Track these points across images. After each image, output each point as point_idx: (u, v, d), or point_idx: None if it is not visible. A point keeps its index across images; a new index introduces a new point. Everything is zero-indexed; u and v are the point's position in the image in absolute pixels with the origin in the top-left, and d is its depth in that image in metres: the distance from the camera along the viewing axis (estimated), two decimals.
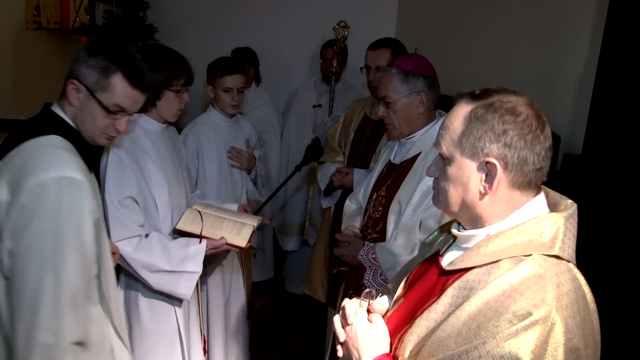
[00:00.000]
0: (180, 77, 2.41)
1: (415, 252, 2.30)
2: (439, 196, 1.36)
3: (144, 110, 2.42)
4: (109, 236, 2.24)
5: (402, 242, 2.38)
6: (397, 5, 4.74)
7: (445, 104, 2.53)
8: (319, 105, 4.46)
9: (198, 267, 2.39)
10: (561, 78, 2.84)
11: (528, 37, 3.21)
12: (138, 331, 2.47)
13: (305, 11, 4.89)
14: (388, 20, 4.62)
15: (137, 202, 2.32)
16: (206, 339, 2.85)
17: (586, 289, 1.22)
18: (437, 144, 1.33)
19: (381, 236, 2.49)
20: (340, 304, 2.65)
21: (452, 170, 1.30)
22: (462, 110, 1.28)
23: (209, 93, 3.19)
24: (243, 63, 3.37)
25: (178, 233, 2.48)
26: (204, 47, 4.34)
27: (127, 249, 2.29)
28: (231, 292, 3.12)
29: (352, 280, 2.66)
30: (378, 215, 2.53)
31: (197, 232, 2.44)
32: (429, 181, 2.35)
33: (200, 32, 4.84)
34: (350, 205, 2.85)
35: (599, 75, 2.45)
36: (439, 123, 2.43)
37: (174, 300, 2.48)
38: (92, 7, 4.58)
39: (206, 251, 2.41)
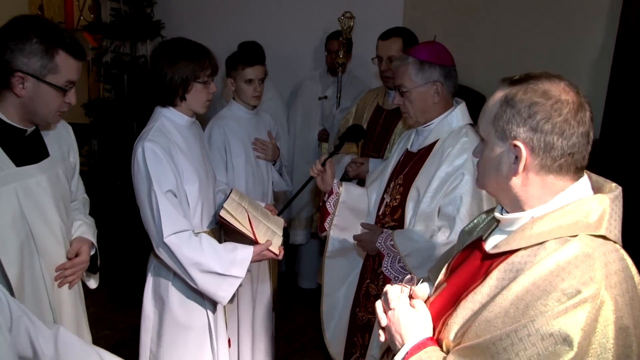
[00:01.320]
0: (207, 68, 2.39)
1: (435, 239, 2.32)
2: (478, 177, 1.40)
3: (173, 104, 2.43)
4: (162, 230, 2.24)
5: (420, 229, 2.38)
6: None
7: (457, 93, 2.54)
8: (325, 97, 4.45)
9: (243, 273, 2.37)
10: (577, 64, 2.85)
11: (543, 22, 3.21)
12: (168, 322, 2.48)
13: (308, 3, 4.89)
14: (395, 9, 4.60)
15: (175, 196, 2.32)
16: (238, 330, 2.84)
17: (634, 269, 1.22)
18: (477, 125, 1.37)
19: (399, 224, 2.50)
20: (355, 293, 2.70)
21: (486, 152, 1.33)
22: (498, 95, 1.31)
23: (230, 86, 3.18)
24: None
25: (219, 221, 2.45)
26: (210, 42, 4.29)
27: (177, 243, 2.28)
28: (259, 284, 3.12)
29: (368, 269, 2.67)
30: (396, 204, 2.53)
31: (246, 231, 2.41)
32: (447, 168, 2.36)
33: (207, 27, 4.84)
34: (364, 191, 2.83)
35: (615, 61, 2.46)
36: (456, 110, 2.45)
37: (207, 299, 2.48)
38: (97, 5, 4.58)
39: (252, 257, 2.39)
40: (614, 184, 1.28)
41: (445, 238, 2.31)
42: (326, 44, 4.46)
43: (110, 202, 4.41)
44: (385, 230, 2.46)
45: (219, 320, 2.63)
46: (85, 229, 2.29)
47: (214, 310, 2.56)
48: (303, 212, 4.62)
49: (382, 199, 2.64)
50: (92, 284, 2.41)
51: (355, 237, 2.56)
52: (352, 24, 4.12)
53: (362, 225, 2.57)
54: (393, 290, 1.47)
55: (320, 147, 4.52)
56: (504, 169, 1.29)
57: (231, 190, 2.62)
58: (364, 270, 2.70)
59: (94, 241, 2.30)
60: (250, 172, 3.20)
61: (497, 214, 1.39)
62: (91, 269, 2.31)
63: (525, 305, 1.17)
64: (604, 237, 1.21)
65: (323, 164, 2.63)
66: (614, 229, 1.23)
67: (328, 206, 2.69)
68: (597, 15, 2.70)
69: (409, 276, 1.48)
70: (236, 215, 2.43)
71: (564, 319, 1.11)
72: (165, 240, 2.26)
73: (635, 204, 2.23)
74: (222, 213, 2.38)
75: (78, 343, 1.64)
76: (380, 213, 2.63)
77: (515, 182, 1.28)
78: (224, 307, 2.65)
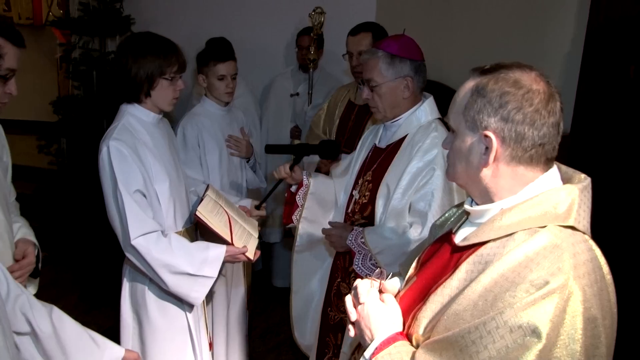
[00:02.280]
0: (173, 64, 2.33)
1: (407, 235, 2.31)
2: (448, 168, 1.38)
3: (138, 101, 2.37)
4: (128, 232, 2.18)
5: (392, 226, 2.36)
6: None
7: (427, 89, 2.53)
8: (297, 94, 4.42)
9: (215, 272, 2.32)
10: (548, 56, 2.86)
11: (513, 16, 3.21)
12: (148, 327, 2.43)
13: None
14: (367, 4, 4.58)
15: (144, 196, 2.27)
16: (212, 330, 2.82)
17: (602, 260, 1.22)
18: (447, 116, 1.35)
19: (369, 221, 2.48)
20: (325, 292, 2.68)
21: (456, 143, 1.32)
22: (468, 84, 1.29)
23: (201, 82, 3.14)
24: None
25: (196, 220, 2.40)
26: (181, 38, 4.24)
27: (145, 245, 2.22)
28: (233, 283, 3.08)
29: (339, 268, 2.64)
30: (365, 200, 2.51)
31: (224, 234, 2.35)
32: (417, 163, 2.35)
33: (178, 23, 4.77)
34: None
35: (585, 54, 2.46)
36: (424, 105, 2.44)
37: (184, 300, 2.42)
38: (66, 1, 4.48)
39: (225, 257, 2.34)
40: (583, 175, 1.28)
41: (417, 234, 2.30)
42: (297, 40, 4.43)
43: (81, 202, 4.33)
44: (355, 227, 2.44)
45: (200, 322, 2.59)
46: (26, 230, 2.21)
47: (191, 311, 2.50)
48: (277, 210, 4.56)
49: (351, 195, 2.62)
50: (32, 289, 2.26)
51: (324, 231, 2.51)
52: (322, 19, 4.08)
53: (331, 224, 2.53)
54: (363, 285, 1.45)
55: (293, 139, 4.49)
56: (474, 160, 1.28)
57: (207, 187, 2.57)
58: (334, 269, 2.67)
59: (37, 243, 2.20)
60: (224, 169, 3.16)
61: (466, 206, 1.38)
62: (32, 274, 2.19)
63: (493, 297, 1.16)
64: (572, 228, 1.21)
65: (291, 168, 2.62)
66: (583, 220, 1.22)
67: (297, 199, 2.65)
68: (567, 8, 2.72)
69: (378, 270, 1.47)
70: (214, 214, 2.38)
71: (532, 310, 1.10)
72: (132, 242, 2.20)
73: (605, 197, 2.25)
74: (199, 212, 2.33)
75: (70, 321, 1.69)
76: (349, 210, 2.60)
77: (486, 173, 1.27)
78: (203, 308, 2.61)
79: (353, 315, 1.43)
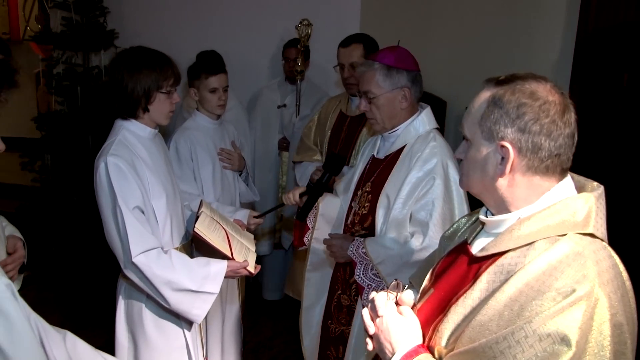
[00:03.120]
0: (169, 77, 2.31)
1: (408, 245, 2.31)
2: (462, 177, 1.39)
3: (135, 116, 2.33)
4: (129, 250, 2.14)
5: (392, 236, 2.37)
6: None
7: None
8: (284, 106, 4.43)
9: (217, 289, 2.29)
10: (538, 65, 2.91)
11: (503, 25, 3.26)
12: (144, 347, 2.39)
13: (264, 12, 4.86)
14: (351, 16, 4.61)
15: (142, 212, 2.23)
16: (207, 345, 2.77)
17: (622, 267, 1.23)
18: (461, 125, 1.36)
19: (369, 232, 2.48)
20: (325, 305, 2.66)
21: (471, 152, 1.33)
22: (484, 95, 1.30)
23: (193, 96, 3.11)
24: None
25: (194, 237, 2.37)
26: (166, 52, 4.26)
27: (146, 263, 2.18)
28: (227, 297, 3.05)
29: (339, 280, 2.63)
30: (365, 212, 2.51)
31: (224, 249, 2.33)
32: (417, 173, 2.36)
33: (162, 37, 4.73)
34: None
35: (575, 62, 2.51)
36: (422, 115, 2.45)
37: (182, 318, 2.39)
38: (45, 15, 4.42)
39: (226, 273, 2.32)
40: (595, 183, 1.30)
41: (419, 244, 2.30)
42: (283, 52, 4.44)
43: (65, 219, 4.24)
44: (356, 238, 2.44)
45: (197, 339, 2.55)
46: (11, 228, 2.16)
47: (190, 329, 2.47)
48: (266, 222, 4.54)
49: (350, 207, 2.61)
50: (17, 285, 2.20)
51: (325, 242, 2.51)
52: (309, 31, 4.11)
53: (331, 235, 2.53)
54: (380, 298, 1.44)
55: (281, 156, 4.49)
56: (490, 169, 1.29)
57: (200, 203, 2.54)
58: (334, 281, 2.66)
59: (23, 239, 2.16)
60: (218, 182, 3.14)
61: (482, 217, 1.39)
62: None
63: (519, 306, 1.16)
64: (591, 235, 1.22)
65: (302, 195, 2.64)
66: (601, 227, 1.24)
67: (308, 221, 2.66)
68: (556, 17, 2.77)
69: (394, 282, 1.46)
70: (211, 230, 2.36)
71: (560, 318, 1.11)
72: (134, 260, 2.16)
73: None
74: (197, 230, 2.30)
75: (83, 345, 1.63)
76: (348, 222, 2.60)
77: (502, 183, 1.28)
78: (200, 325, 2.57)
79: (371, 328, 1.43)
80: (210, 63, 3.11)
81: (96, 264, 4.10)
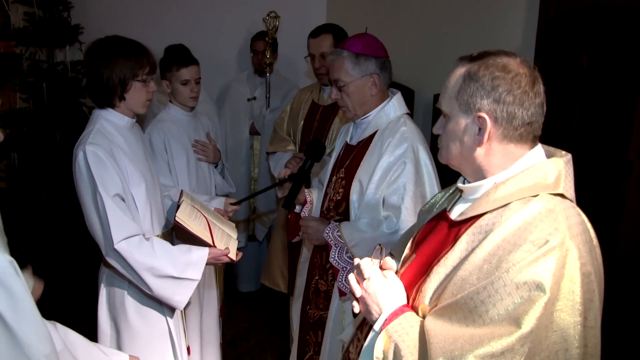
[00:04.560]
0: (145, 65, 2.32)
1: (381, 228, 2.36)
2: (441, 151, 1.47)
3: (112, 105, 2.33)
4: (111, 236, 2.14)
5: (366, 220, 2.41)
6: None
7: None
8: (254, 98, 4.44)
9: (199, 275, 2.30)
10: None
11: (466, 13, 3.33)
12: (127, 334, 2.39)
13: (230, 5, 4.87)
14: (318, 6, 4.64)
15: (123, 200, 2.23)
16: (186, 337, 2.77)
17: (589, 224, 1.32)
18: (438, 102, 1.44)
19: (344, 217, 2.52)
20: (304, 290, 2.70)
21: (450, 126, 1.41)
22: (459, 71, 1.39)
23: (165, 88, 3.11)
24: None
25: (176, 226, 2.38)
26: None
27: (128, 249, 2.19)
28: (205, 289, 3.06)
29: (316, 265, 2.67)
30: (339, 197, 2.55)
31: (205, 237, 2.35)
32: (388, 158, 2.40)
33: (128, 31, 4.59)
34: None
35: (538, 48, 2.59)
36: (393, 101, 2.49)
37: (164, 304, 2.40)
38: (4, 11, 4.31)
39: (208, 260, 2.33)
40: (563, 152, 1.39)
41: (392, 227, 2.35)
42: (251, 45, 4.46)
43: (35, 219, 4.17)
44: (332, 221, 2.48)
45: (179, 327, 2.57)
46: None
47: (172, 316, 2.49)
48: (240, 214, 4.56)
49: (326, 193, 2.65)
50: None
51: (301, 222, 2.54)
52: (277, 23, 4.13)
53: (304, 221, 2.55)
54: (365, 262, 1.52)
55: (252, 142, 4.50)
56: (468, 140, 1.38)
57: (181, 192, 2.56)
58: (312, 267, 2.69)
59: None
60: (193, 174, 3.14)
61: (459, 185, 1.48)
62: None
63: (497, 259, 1.25)
64: (561, 196, 1.32)
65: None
66: (570, 189, 1.34)
67: (303, 215, 2.70)
68: (518, 5, 2.86)
69: (377, 247, 1.52)
70: (192, 219, 2.38)
71: (535, 266, 1.20)
72: (115, 246, 2.17)
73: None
74: (178, 218, 2.31)
75: (74, 334, 1.67)
76: (324, 208, 2.63)
77: (479, 152, 1.37)
78: (182, 313, 2.59)
79: (358, 291, 1.50)
80: (181, 55, 3.10)
81: (70, 259, 4.05)
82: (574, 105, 2.51)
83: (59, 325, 1.63)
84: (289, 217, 2.77)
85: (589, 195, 2.31)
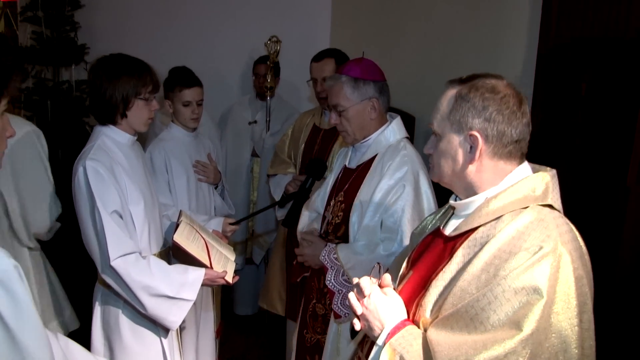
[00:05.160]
0: (148, 84, 2.34)
1: (378, 251, 2.36)
2: (433, 169, 1.53)
3: (114, 122, 2.35)
4: (107, 253, 2.14)
5: (363, 242, 2.41)
6: (331, 16, 4.87)
7: None
8: (255, 122, 4.47)
9: (194, 296, 2.30)
10: None
11: (467, 40, 3.37)
12: (120, 353, 2.37)
13: (234, 29, 4.96)
14: (322, 32, 4.71)
15: (121, 217, 2.24)
16: (181, 353, 2.75)
17: (577, 233, 1.38)
18: (430, 122, 1.51)
19: (343, 241, 2.50)
20: (301, 314, 2.68)
21: (442, 145, 1.48)
22: (449, 93, 1.47)
23: (168, 108, 3.13)
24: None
25: (174, 246, 2.38)
26: None
27: (124, 267, 2.18)
28: (202, 311, 3.04)
29: (314, 289, 2.65)
30: (338, 221, 2.54)
31: (202, 259, 2.35)
32: (388, 181, 2.40)
33: (132, 53, 4.71)
34: (305, 214, 2.84)
35: (538, 75, 2.62)
36: (392, 125, 2.51)
37: (158, 324, 2.38)
38: (12, 31, 4.39)
39: (203, 281, 2.33)
40: (548, 167, 1.46)
41: (389, 250, 2.35)
42: (253, 69, 4.50)
43: None
44: (329, 244, 2.47)
45: (174, 348, 2.54)
46: None
47: (166, 336, 2.46)
48: (237, 237, 4.55)
49: (324, 217, 2.64)
50: None
51: (297, 251, 2.53)
52: (278, 48, 4.18)
53: (305, 237, 2.55)
54: (364, 281, 1.55)
55: (252, 166, 4.52)
56: (460, 158, 1.44)
57: (180, 213, 2.56)
58: (308, 291, 2.67)
59: None
60: (193, 194, 3.14)
61: (452, 202, 1.55)
62: None
63: (495, 268, 1.31)
64: (550, 207, 1.38)
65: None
66: (557, 200, 1.41)
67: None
68: (519, 33, 2.90)
69: (375, 266, 1.57)
70: (190, 240, 2.38)
71: (531, 272, 1.26)
72: (112, 263, 2.17)
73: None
74: (177, 238, 2.32)
75: (75, 345, 1.65)
76: (322, 232, 2.62)
77: (471, 169, 1.43)
78: (177, 333, 2.57)
79: (359, 309, 1.53)
80: (184, 76, 3.14)
81: (67, 275, 4.02)
82: (572, 131, 2.54)
83: (59, 335, 1.62)
84: (294, 263, 2.74)
85: (588, 220, 2.33)
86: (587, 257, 1.37)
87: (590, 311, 1.32)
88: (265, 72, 4.25)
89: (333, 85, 2.48)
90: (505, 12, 3.06)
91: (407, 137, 2.54)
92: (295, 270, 2.74)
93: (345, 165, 2.63)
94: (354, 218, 2.46)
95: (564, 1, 2.62)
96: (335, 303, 2.42)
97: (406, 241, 2.31)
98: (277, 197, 3.43)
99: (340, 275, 2.40)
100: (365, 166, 2.51)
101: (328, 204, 2.63)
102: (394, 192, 2.38)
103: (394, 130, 2.51)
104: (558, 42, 2.61)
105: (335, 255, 2.40)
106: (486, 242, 1.35)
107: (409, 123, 3.78)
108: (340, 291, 2.41)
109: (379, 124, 2.51)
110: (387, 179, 2.41)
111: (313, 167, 2.59)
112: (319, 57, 3.31)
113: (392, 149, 2.47)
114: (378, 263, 1.57)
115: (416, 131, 3.82)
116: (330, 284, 2.42)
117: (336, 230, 2.54)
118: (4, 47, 4.04)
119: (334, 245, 2.44)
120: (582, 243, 1.37)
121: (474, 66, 3.30)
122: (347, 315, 2.40)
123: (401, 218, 2.36)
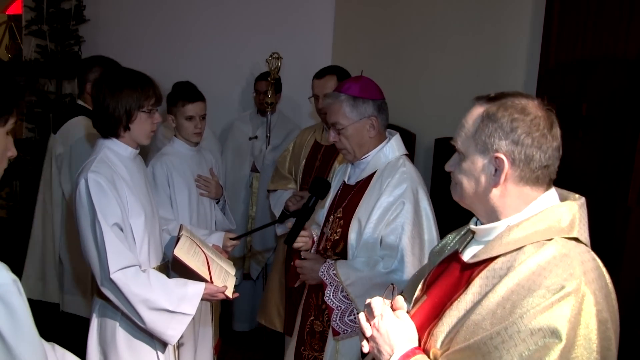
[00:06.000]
0: (151, 97, 2.34)
1: (378, 268, 2.35)
2: (455, 187, 1.45)
3: (116, 135, 2.36)
4: (107, 266, 2.13)
5: (363, 259, 2.40)
6: (333, 34, 4.90)
7: None
8: (256, 137, 4.47)
9: (193, 310, 2.28)
10: None
11: (468, 60, 3.39)
12: None
13: (235, 45, 4.98)
14: (323, 49, 4.74)
15: (121, 230, 2.23)
16: None
17: (604, 269, 1.30)
18: (454, 140, 1.43)
19: (342, 257, 2.49)
20: (298, 331, 2.66)
21: (465, 164, 1.39)
22: (476, 111, 1.38)
23: (170, 122, 3.14)
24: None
25: (174, 260, 2.38)
26: None
27: (124, 280, 2.17)
28: (200, 327, 3.02)
29: (311, 306, 2.63)
30: (337, 237, 2.53)
31: (202, 273, 2.34)
32: (387, 198, 2.40)
33: (135, 67, 4.76)
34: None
35: (540, 96, 2.63)
36: (391, 142, 2.51)
37: (155, 338, 2.36)
38: (17, 45, 4.43)
39: (203, 295, 2.32)
40: (577, 195, 1.39)
41: (388, 267, 2.34)
42: (255, 85, 4.52)
43: None
44: (327, 260, 2.46)
45: None
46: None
47: (163, 351, 2.44)
48: (235, 252, 4.52)
49: (322, 233, 2.63)
50: None
51: (296, 264, 2.51)
52: (279, 64, 4.19)
53: (304, 255, 2.54)
54: (376, 302, 1.48)
55: (252, 181, 4.51)
56: (483, 180, 1.36)
57: (180, 227, 2.55)
58: (306, 307, 2.66)
59: None
60: (194, 209, 3.14)
61: (472, 226, 1.46)
62: None
63: (511, 304, 1.23)
64: (576, 240, 1.30)
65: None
66: (584, 233, 1.33)
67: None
68: (520, 53, 2.92)
69: (389, 287, 1.50)
70: (191, 255, 2.37)
71: (550, 313, 1.17)
72: (111, 276, 2.16)
73: None
74: (177, 252, 2.31)
75: (72, 358, 1.64)
76: (320, 248, 2.61)
77: (495, 193, 1.36)
78: (174, 348, 2.55)
79: (368, 330, 1.46)
80: (188, 91, 3.15)
81: None
82: (573, 151, 2.54)
83: (57, 347, 1.61)
84: (292, 263, 2.74)
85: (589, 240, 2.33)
86: (613, 296, 1.29)
87: (614, 357, 1.25)
88: (266, 89, 4.26)
89: (332, 104, 2.49)
90: (506, 33, 3.09)
91: (406, 154, 2.55)
92: (292, 275, 2.73)
93: (344, 181, 2.64)
94: (352, 234, 2.45)
95: (564, 22, 2.65)
96: (334, 319, 2.41)
97: (407, 259, 2.31)
98: (277, 213, 3.43)
99: (340, 291, 2.39)
100: (364, 183, 2.52)
101: (327, 220, 2.63)
102: (393, 209, 2.38)
103: (392, 148, 2.51)
104: (559, 62, 2.63)
105: (334, 272, 2.39)
106: (505, 275, 1.28)
107: (410, 140, 3.80)
108: (339, 307, 2.40)
109: (378, 141, 2.52)
110: (386, 196, 2.41)
111: (317, 186, 2.58)
112: (321, 74, 3.33)
113: (391, 166, 2.48)
114: (392, 284, 1.51)
115: (417, 148, 3.84)
116: (330, 301, 2.41)
117: (335, 246, 2.53)
118: (17, 68, 4.09)
119: (333, 261, 2.44)
120: (608, 281, 1.29)
121: (475, 85, 3.35)
122: (345, 332, 2.38)
123: (401, 235, 2.36)
